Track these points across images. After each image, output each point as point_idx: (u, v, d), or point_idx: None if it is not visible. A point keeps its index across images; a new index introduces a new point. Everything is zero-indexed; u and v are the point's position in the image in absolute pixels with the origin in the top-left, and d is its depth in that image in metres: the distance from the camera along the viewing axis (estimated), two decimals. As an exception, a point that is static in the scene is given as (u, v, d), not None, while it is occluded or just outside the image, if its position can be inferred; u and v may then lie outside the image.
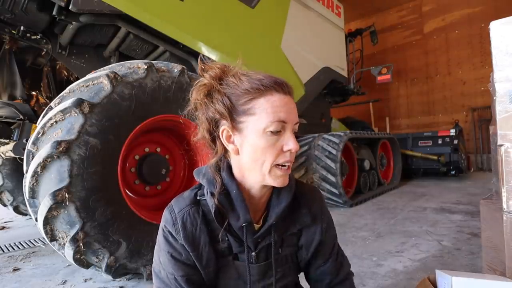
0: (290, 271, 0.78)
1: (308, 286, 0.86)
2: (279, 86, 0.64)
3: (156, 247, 0.74)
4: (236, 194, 0.67)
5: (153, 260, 0.74)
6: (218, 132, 0.67)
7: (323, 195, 0.84)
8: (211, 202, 0.67)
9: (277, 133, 0.63)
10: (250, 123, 0.63)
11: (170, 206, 0.72)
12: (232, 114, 0.64)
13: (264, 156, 0.63)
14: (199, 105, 0.68)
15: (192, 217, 0.69)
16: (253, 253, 0.71)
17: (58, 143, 1.46)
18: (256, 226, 0.72)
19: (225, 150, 0.70)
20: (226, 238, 0.70)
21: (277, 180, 0.65)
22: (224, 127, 0.66)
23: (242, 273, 0.72)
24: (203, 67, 0.68)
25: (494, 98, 1.06)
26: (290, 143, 0.63)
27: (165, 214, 0.72)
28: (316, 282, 0.83)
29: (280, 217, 0.70)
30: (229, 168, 0.70)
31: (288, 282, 0.78)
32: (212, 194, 0.67)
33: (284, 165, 0.65)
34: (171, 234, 0.69)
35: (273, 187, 0.71)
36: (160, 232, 0.72)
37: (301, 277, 0.86)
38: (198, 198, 0.72)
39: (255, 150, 0.64)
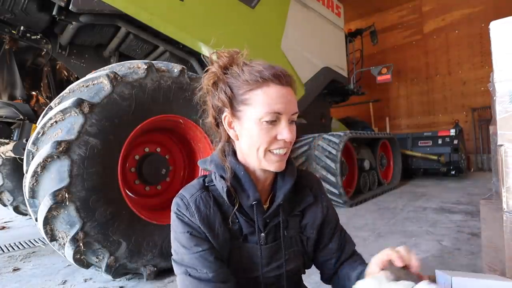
0: (295, 256, 0.79)
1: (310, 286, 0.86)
2: (277, 78, 0.66)
3: (172, 234, 0.73)
4: (244, 175, 0.71)
5: (172, 250, 0.73)
6: (221, 119, 0.72)
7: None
8: (221, 184, 0.70)
9: (272, 122, 0.66)
10: (247, 112, 0.67)
11: (180, 194, 0.73)
12: (233, 102, 0.69)
13: (259, 143, 0.67)
14: (208, 91, 0.73)
15: (204, 200, 0.71)
16: (262, 234, 0.73)
17: (58, 143, 1.46)
18: (264, 207, 0.74)
19: (229, 136, 0.74)
20: (237, 220, 0.73)
21: (272, 164, 0.69)
22: (226, 114, 0.71)
23: (252, 255, 0.73)
24: (214, 55, 0.71)
25: (494, 98, 1.06)
26: (284, 133, 0.66)
27: (176, 201, 0.72)
28: (325, 263, 0.83)
29: (286, 197, 0.73)
30: (234, 152, 0.74)
31: (294, 267, 0.78)
32: (222, 177, 0.71)
33: (279, 152, 0.68)
34: (187, 216, 0.70)
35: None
36: (173, 217, 0.72)
37: (304, 277, 0.86)
38: (206, 184, 0.75)
39: (251, 137, 0.68)
